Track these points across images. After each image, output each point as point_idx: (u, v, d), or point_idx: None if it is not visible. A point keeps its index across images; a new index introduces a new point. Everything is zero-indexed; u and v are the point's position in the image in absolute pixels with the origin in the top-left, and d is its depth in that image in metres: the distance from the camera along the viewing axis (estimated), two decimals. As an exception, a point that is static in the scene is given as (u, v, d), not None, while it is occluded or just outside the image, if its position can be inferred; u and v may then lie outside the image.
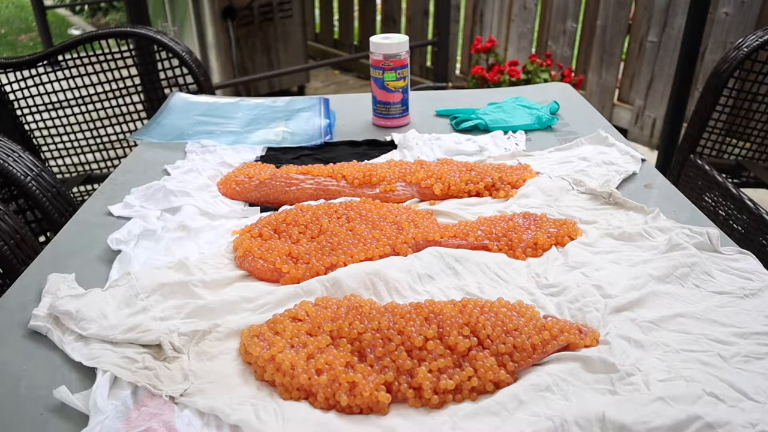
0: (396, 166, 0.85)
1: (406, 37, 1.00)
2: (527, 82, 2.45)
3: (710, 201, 0.93)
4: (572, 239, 0.70)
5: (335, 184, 0.83)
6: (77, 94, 1.42)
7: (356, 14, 3.67)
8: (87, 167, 1.50)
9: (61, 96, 1.41)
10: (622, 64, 2.72)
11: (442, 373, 0.50)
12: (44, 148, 1.46)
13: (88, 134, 1.46)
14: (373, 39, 1.00)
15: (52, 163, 1.48)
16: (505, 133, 1.01)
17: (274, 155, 0.97)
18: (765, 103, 1.38)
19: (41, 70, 1.38)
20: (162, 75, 1.42)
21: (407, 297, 0.61)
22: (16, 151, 0.97)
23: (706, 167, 1.15)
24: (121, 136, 1.48)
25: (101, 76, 1.42)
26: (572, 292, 0.60)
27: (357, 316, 0.55)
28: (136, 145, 1.03)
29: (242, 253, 0.67)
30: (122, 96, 1.44)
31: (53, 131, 1.44)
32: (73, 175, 1.50)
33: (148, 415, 0.48)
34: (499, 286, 0.63)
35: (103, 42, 1.38)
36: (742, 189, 0.90)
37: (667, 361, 0.51)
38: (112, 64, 1.41)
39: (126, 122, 1.46)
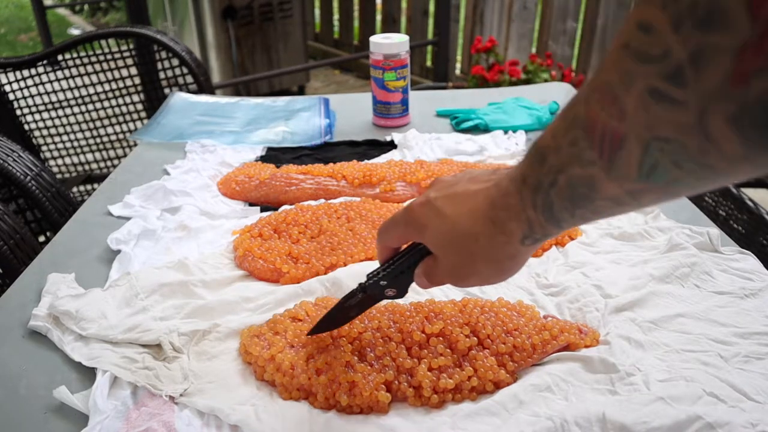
0: (396, 166, 0.85)
1: (406, 37, 1.00)
2: (527, 82, 2.44)
3: (710, 201, 0.93)
4: (572, 239, 0.70)
5: (335, 184, 0.83)
6: (77, 94, 1.42)
7: (356, 14, 3.66)
8: (87, 167, 1.50)
9: (61, 96, 1.41)
10: (622, 64, 2.71)
11: (442, 372, 0.50)
12: (44, 148, 1.46)
13: (88, 134, 1.46)
14: (373, 39, 1.00)
15: (52, 163, 1.48)
16: (505, 133, 1.01)
17: (274, 155, 0.97)
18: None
19: (41, 70, 1.38)
20: (162, 75, 1.42)
21: (407, 296, 0.61)
22: (15, 150, 0.97)
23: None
24: (121, 136, 1.48)
25: (101, 76, 1.42)
26: (572, 292, 0.60)
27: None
28: (136, 144, 1.03)
29: (242, 253, 0.67)
30: (122, 96, 1.44)
31: (53, 131, 1.44)
32: (73, 175, 1.50)
33: (147, 415, 0.48)
34: (499, 285, 0.63)
35: (103, 42, 1.38)
36: (742, 189, 0.90)
37: (668, 361, 0.51)
38: (112, 64, 1.41)
39: (126, 122, 1.46)
